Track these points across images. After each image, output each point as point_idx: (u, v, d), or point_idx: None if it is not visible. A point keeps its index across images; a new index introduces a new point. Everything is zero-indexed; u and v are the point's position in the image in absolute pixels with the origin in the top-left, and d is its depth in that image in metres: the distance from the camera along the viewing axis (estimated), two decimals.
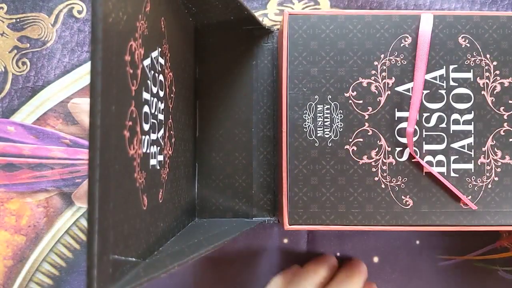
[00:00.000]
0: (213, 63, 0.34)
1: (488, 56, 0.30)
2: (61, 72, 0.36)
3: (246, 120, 0.33)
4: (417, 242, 0.36)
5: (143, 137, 0.22)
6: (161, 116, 0.26)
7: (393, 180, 0.29)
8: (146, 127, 0.23)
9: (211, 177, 0.34)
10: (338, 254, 0.36)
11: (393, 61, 0.30)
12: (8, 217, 0.36)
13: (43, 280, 0.36)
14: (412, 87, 0.29)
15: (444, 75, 0.30)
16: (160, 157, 0.26)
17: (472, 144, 0.30)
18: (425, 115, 0.30)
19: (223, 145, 0.33)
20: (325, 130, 0.30)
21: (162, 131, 0.26)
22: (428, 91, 0.30)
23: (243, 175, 0.33)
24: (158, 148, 0.25)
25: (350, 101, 0.30)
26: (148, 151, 0.23)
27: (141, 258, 0.22)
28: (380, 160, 0.29)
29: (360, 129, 0.30)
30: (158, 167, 0.25)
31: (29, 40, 0.36)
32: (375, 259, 0.36)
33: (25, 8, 0.36)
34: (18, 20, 0.36)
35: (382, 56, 0.30)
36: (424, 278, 0.36)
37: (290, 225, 0.29)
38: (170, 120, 0.28)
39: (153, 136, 0.24)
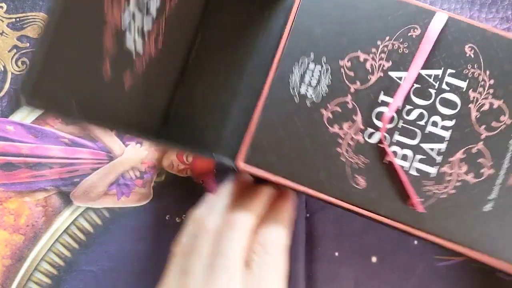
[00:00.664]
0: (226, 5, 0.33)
1: (488, 72, 0.29)
2: None
3: (241, 66, 0.32)
4: (415, 242, 0.36)
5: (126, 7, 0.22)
6: (153, 9, 0.25)
7: (354, 157, 0.29)
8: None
9: (188, 105, 0.32)
10: (336, 254, 0.36)
11: (396, 46, 0.29)
12: (6, 216, 0.36)
13: (41, 279, 0.36)
14: (405, 76, 0.29)
15: (440, 76, 0.30)
16: (140, 45, 0.25)
17: (442, 151, 0.29)
18: (408, 107, 0.29)
19: (212, 85, 0.32)
20: (309, 89, 0.29)
21: (150, 24, 0.25)
22: (419, 86, 0.29)
23: (220, 113, 0.32)
24: (141, 37, 0.24)
25: (342, 69, 0.29)
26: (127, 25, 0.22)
27: None
28: (350, 134, 0.29)
29: (342, 99, 0.29)
30: (133, 50, 0.24)
31: (29, 39, 0.36)
32: (374, 259, 0.36)
33: (24, 8, 0.37)
34: (17, 19, 0.36)
35: (387, 38, 0.29)
36: (422, 278, 0.36)
37: (243, 163, 0.29)
38: (163, 23, 0.27)
39: (138, 21, 0.23)
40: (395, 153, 0.29)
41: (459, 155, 0.29)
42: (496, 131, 0.29)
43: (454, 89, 0.29)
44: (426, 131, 0.29)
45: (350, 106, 0.29)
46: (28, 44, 0.36)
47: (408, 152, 0.29)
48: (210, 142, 0.32)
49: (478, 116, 0.29)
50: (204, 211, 0.31)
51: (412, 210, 0.29)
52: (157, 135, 0.30)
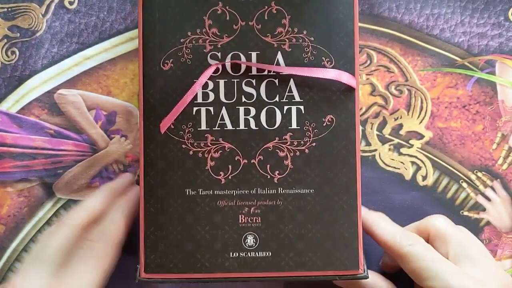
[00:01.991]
0: None
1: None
2: (48, 62, 0.36)
3: None
4: None
5: None
6: None
7: (188, 53, 0.30)
8: None
9: None
10: None
11: (301, 39, 0.30)
12: None
13: None
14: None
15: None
16: None
17: (225, 125, 0.30)
18: (256, 81, 0.30)
19: None
20: None
21: None
22: (276, 83, 0.30)
23: None
24: None
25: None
26: None
27: None
28: (209, 38, 0.30)
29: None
30: None
31: (20, 29, 0.36)
32: None
33: None
34: (9, 9, 0.36)
35: (304, 32, 0.30)
36: (405, 281, 0.35)
37: None
38: None
39: None
40: (207, 84, 0.29)
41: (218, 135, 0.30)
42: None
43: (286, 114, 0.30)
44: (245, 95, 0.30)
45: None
46: (18, 34, 0.36)
47: (212, 96, 0.30)
48: None
49: (260, 161, 0.30)
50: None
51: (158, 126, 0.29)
52: None
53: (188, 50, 0.30)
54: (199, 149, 0.29)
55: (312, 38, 0.30)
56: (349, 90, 0.30)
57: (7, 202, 0.36)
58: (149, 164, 0.29)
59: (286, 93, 0.30)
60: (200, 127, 0.29)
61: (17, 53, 0.36)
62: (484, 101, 0.36)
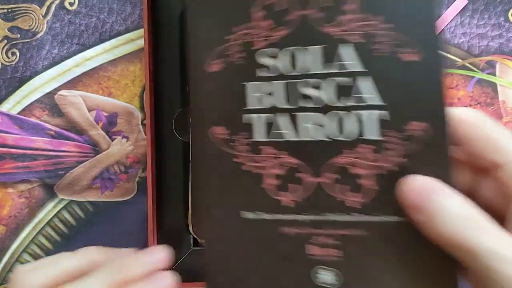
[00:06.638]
0: None
1: None
2: (49, 63, 0.36)
3: None
4: None
5: None
6: None
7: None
8: None
9: None
10: None
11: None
12: None
13: None
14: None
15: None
16: None
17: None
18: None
19: None
20: None
21: None
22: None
23: None
24: None
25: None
26: None
27: None
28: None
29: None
30: None
31: (20, 30, 0.36)
32: None
33: None
34: (10, 10, 0.36)
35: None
36: None
37: None
38: None
39: None
40: (260, 87, 0.24)
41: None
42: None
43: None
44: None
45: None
46: (19, 35, 0.36)
47: (268, 101, 0.24)
48: None
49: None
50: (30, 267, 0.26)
51: None
52: None
53: (235, 49, 0.25)
54: (255, 164, 0.24)
55: (393, 25, 0.22)
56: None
57: (8, 203, 0.36)
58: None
59: (363, 95, 0.23)
60: (256, 138, 0.24)
61: (18, 54, 0.36)
62: (485, 102, 0.36)
